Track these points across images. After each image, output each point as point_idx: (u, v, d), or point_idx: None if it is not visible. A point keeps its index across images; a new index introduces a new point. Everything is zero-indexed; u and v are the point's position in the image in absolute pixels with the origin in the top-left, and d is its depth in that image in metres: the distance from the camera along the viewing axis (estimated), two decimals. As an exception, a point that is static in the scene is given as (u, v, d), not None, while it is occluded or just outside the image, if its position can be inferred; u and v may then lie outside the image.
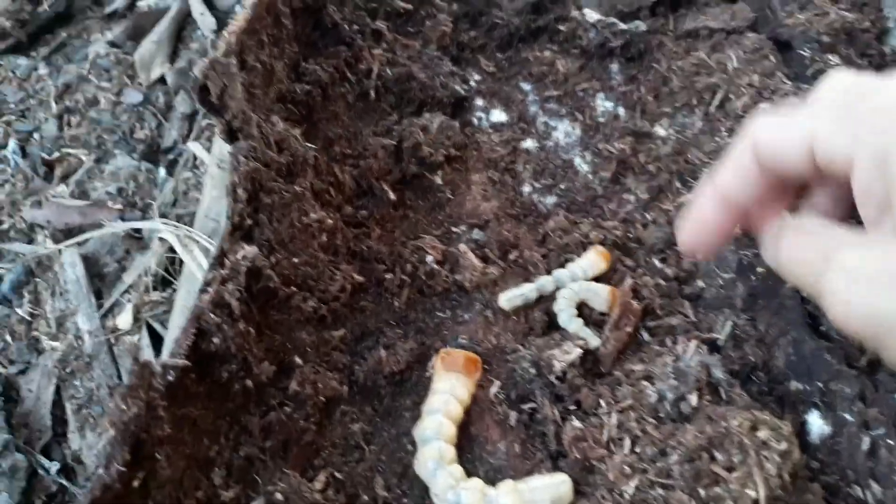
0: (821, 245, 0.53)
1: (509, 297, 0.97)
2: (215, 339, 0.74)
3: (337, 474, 0.83)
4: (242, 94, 0.80)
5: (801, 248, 0.55)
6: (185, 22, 1.73)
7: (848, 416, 0.86)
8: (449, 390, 0.85)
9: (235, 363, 0.76)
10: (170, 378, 0.69)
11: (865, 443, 0.83)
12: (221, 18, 1.69)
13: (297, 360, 0.84)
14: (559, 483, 0.80)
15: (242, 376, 0.78)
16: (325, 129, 1.03)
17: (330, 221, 0.92)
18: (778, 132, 0.56)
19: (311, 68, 1.01)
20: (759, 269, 0.97)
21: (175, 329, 1.16)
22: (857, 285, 0.48)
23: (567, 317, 0.96)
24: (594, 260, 1.00)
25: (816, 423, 0.87)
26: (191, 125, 1.53)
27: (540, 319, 0.98)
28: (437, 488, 0.79)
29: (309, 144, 0.93)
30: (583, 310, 0.98)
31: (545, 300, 0.99)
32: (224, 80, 0.77)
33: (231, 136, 0.80)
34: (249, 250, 0.76)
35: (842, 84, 0.53)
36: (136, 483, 0.66)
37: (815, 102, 0.54)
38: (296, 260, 0.85)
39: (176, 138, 1.51)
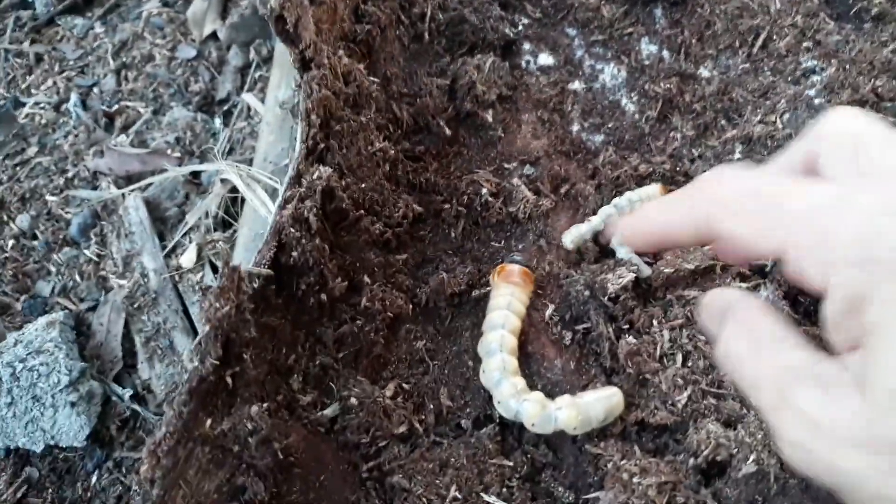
0: (775, 368, 0.49)
1: (573, 237, 0.99)
2: (294, 253, 0.78)
3: (404, 385, 0.88)
4: (313, 26, 0.84)
5: (751, 362, 0.51)
6: (234, -20, 1.76)
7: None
8: (506, 305, 0.88)
9: (312, 276, 0.81)
10: (255, 285, 0.73)
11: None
12: (269, -24, 1.72)
13: (366, 279, 0.88)
14: (611, 395, 0.84)
15: (318, 290, 0.82)
16: (383, 68, 1.06)
17: (392, 152, 0.96)
18: (748, 231, 0.50)
19: (371, 10, 1.04)
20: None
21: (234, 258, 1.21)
22: (819, 440, 0.45)
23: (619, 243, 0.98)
24: (653, 191, 1.01)
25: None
26: (243, 78, 1.57)
27: (592, 249, 1.01)
28: (501, 396, 0.83)
29: (372, 78, 0.96)
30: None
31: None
32: (298, 12, 0.81)
33: (304, 65, 0.84)
34: (324, 170, 0.80)
35: (823, 194, 0.46)
36: (227, 378, 0.71)
37: (796, 200, 0.47)
38: (363, 185, 0.89)
39: (230, 90, 1.55)
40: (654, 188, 1.02)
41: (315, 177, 0.80)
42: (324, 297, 0.82)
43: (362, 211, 0.88)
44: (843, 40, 1.15)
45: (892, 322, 0.43)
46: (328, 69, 0.86)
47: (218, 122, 1.51)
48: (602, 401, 0.83)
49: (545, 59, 1.24)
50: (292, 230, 0.77)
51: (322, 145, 0.85)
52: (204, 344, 0.67)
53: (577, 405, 0.82)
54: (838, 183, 0.49)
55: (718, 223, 0.52)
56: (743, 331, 0.52)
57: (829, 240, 0.45)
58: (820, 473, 0.45)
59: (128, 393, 1.17)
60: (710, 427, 0.81)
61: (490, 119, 1.12)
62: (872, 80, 1.07)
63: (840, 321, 0.45)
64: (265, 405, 0.71)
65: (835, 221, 0.45)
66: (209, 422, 0.69)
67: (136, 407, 1.16)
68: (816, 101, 1.08)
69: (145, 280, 1.28)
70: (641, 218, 0.62)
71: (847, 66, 1.11)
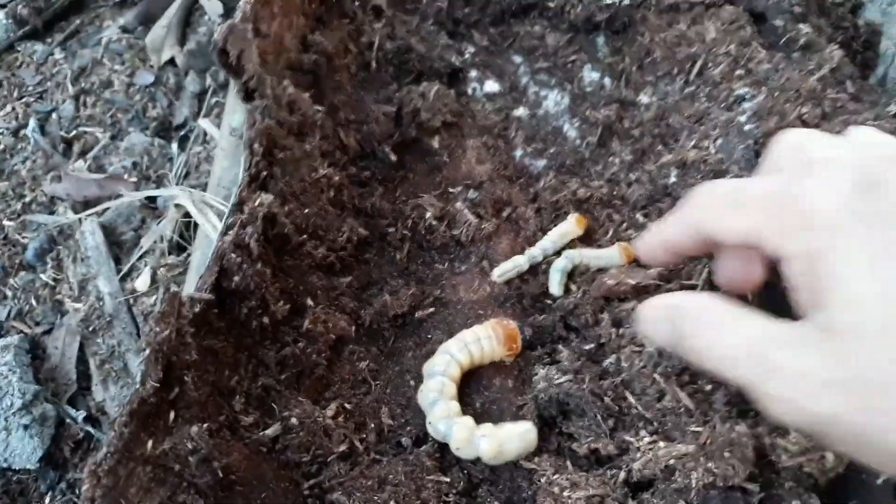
0: (746, 339, 0.55)
1: (502, 272, 1.03)
2: (236, 277, 0.80)
3: (346, 405, 0.90)
4: (257, 58, 0.87)
5: (721, 343, 0.57)
6: (192, 7, 1.79)
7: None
8: (474, 340, 0.91)
9: (254, 300, 0.83)
10: (196, 309, 0.76)
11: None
12: (227, 3, 1.75)
13: (309, 301, 0.90)
14: (526, 431, 0.86)
15: (260, 313, 0.85)
16: (330, 97, 1.09)
17: (336, 178, 0.99)
18: (722, 222, 0.60)
19: (318, 40, 1.07)
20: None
21: (192, 288, 1.22)
22: (796, 390, 0.50)
23: (556, 284, 1.02)
24: (570, 227, 1.05)
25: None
26: (200, 104, 1.59)
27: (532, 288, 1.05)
28: (433, 417, 0.86)
29: (317, 107, 0.99)
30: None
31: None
32: (241, 45, 0.84)
33: (248, 96, 0.87)
34: (265, 197, 0.82)
35: (779, 184, 0.58)
36: (167, 400, 0.73)
37: (762, 197, 0.58)
38: (307, 211, 0.92)
39: (187, 116, 1.58)
40: (570, 222, 1.05)
41: (257, 203, 0.83)
42: (266, 320, 0.85)
43: (305, 236, 0.91)
44: (773, 68, 1.19)
45: (842, 272, 0.51)
46: (271, 99, 0.89)
47: (175, 147, 1.53)
48: (519, 437, 0.85)
49: (491, 85, 1.28)
50: (234, 255, 0.80)
51: (265, 173, 0.88)
52: (144, 367, 0.69)
53: (497, 438, 0.85)
54: (787, 172, 0.59)
55: (705, 225, 0.62)
56: (703, 320, 0.59)
57: (784, 213, 0.56)
58: (804, 423, 0.51)
59: (81, 415, 1.18)
60: (644, 441, 0.84)
61: (435, 145, 1.15)
62: (798, 108, 1.12)
63: (801, 280, 0.54)
64: (206, 425, 0.73)
65: (786, 199, 0.56)
66: (150, 442, 0.71)
67: (90, 429, 1.18)
68: (746, 127, 1.12)
69: (100, 303, 1.30)
70: (651, 235, 0.72)
71: (776, 94, 1.15)
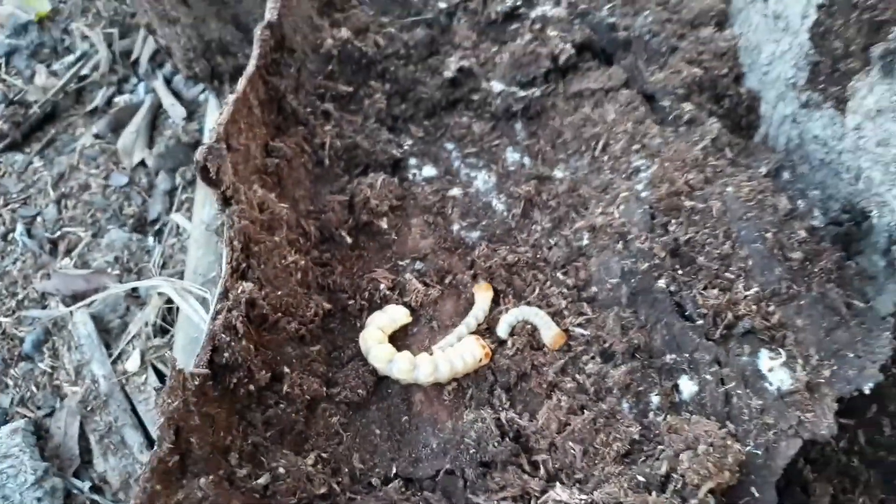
0: None
1: (444, 345, 1.16)
2: (226, 353, 0.94)
3: (323, 454, 1.03)
4: (231, 170, 1.02)
5: None
6: (158, 112, 1.94)
7: (708, 377, 1.09)
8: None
9: (241, 372, 0.97)
10: (196, 382, 0.89)
11: (721, 394, 1.06)
12: (189, 107, 1.90)
13: (286, 369, 1.04)
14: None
15: (246, 382, 0.98)
16: (292, 192, 1.24)
17: (302, 262, 1.14)
18: None
19: (278, 146, 1.23)
20: (637, 274, 1.20)
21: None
22: None
23: (503, 330, 1.17)
24: (483, 298, 1.20)
25: (686, 385, 1.10)
26: (171, 199, 1.73)
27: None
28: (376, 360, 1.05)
29: (282, 204, 1.14)
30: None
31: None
32: (218, 161, 0.99)
33: (225, 202, 1.01)
34: (247, 286, 0.97)
35: None
36: (177, 459, 0.86)
37: None
38: (279, 292, 1.06)
39: (160, 211, 1.71)
40: (481, 294, 1.21)
41: (239, 291, 0.97)
42: (252, 387, 0.98)
43: (280, 314, 1.05)
44: (664, 142, 1.37)
45: None
46: (245, 203, 1.04)
47: (151, 240, 1.66)
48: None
49: (428, 170, 1.43)
50: (223, 336, 0.94)
51: (244, 264, 1.02)
52: (160, 432, 0.83)
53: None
54: None
55: None
56: None
57: None
58: None
59: (87, 485, 1.29)
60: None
61: (384, 226, 1.30)
62: (685, 174, 1.29)
63: None
64: (210, 477, 0.86)
65: None
66: (166, 494, 0.83)
67: (95, 497, 1.29)
68: (643, 194, 1.29)
69: (96, 385, 1.41)
70: None
71: (666, 164, 1.32)
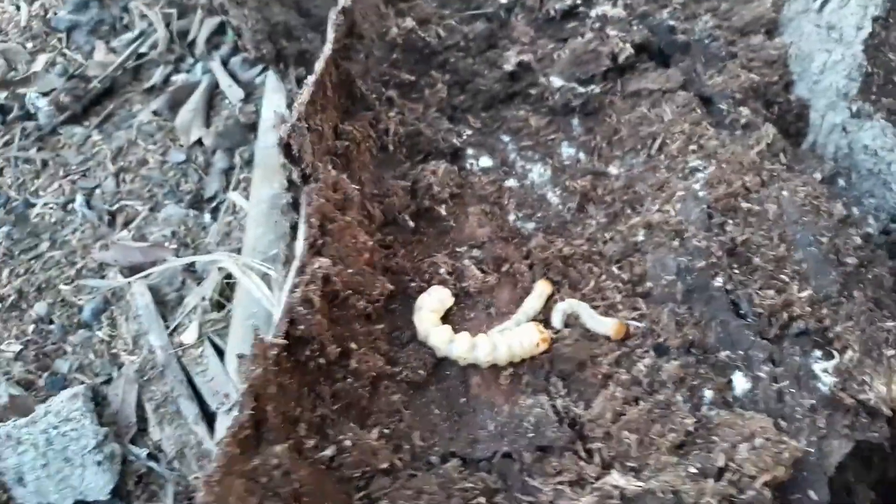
0: None
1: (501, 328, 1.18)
2: (301, 326, 0.97)
3: (385, 430, 1.06)
4: (311, 149, 1.04)
5: None
6: (214, 92, 1.97)
7: (762, 375, 1.10)
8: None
9: (314, 345, 0.99)
10: (274, 352, 0.92)
11: (774, 392, 1.08)
12: (246, 88, 1.93)
13: (353, 345, 1.06)
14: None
15: (318, 356, 1.01)
16: (358, 174, 1.27)
17: (370, 243, 1.16)
18: None
19: (347, 129, 1.25)
20: (693, 271, 1.21)
21: (235, 340, 1.38)
22: None
23: (558, 320, 1.19)
24: (541, 289, 1.22)
25: (740, 381, 1.12)
26: (228, 178, 1.76)
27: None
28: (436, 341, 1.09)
29: (353, 186, 1.17)
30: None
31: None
32: (300, 140, 1.01)
33: (305, 179, 1.04)
34: (323, 261, 0.99)
35: None
36: (254, 426, 0.88)
37: None
38: (350, 271, 1.08)
39: (217, 189, 1.74)
40: (539, 289, 1.22)
41: (316, 266, 0.99)
42: (322, 360, 1.01)
43: (350, 291, 1.07)
44: (721, 144, 1.38)
45: None
46: (322, 182, 1.06)
47: (208, 217, 1.69)
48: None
49: (485, 161, 1.45)
50: (300, 308, 0.96)
51: (320, 241, 1.05)
52: (243, 398, 0.85)
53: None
54: None
55: None
56: None
57: None
58: None
59: (144, 452, 1.33)
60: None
61: (444, 213, 1.32)
62: (742, 177, 1.30)
63: None
64: (285, 445, 0.89)
65: None
66: (244, 459, 0.86)
67: (152, 464, 1.32)
68: (700, 193, 1.31)
69: (153, 355, 1.44)
70: None
71: (724, 166, 1.34)
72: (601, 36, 1.55)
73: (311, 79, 1.11)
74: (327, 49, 1.20)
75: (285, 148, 1.00)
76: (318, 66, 1.15)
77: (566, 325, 1.19)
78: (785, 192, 1.28)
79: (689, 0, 1.67)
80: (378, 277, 1.16)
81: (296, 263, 0.99)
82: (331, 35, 1.23)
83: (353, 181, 1.22)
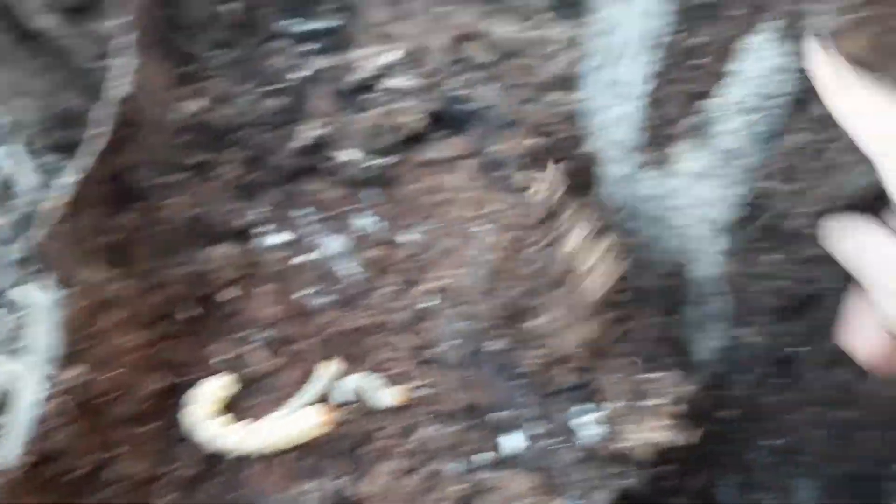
0: None
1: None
2: (56, 438, 0.94)
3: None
4: (69, 251, 1.03)
5: None
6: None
7: (537, 431, 1.15)
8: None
9: (67, 459, 0.97)
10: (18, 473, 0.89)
11: (546, 447, 1.13)
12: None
13: (118, 450, 1.04)
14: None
15: (72, 469, 0.98)
16: (136, 267, 1.25)
17: (143, 340, 1.15)
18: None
19: (121, 222, 1.24)
20: (474, 335, 1.25)
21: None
22: None
23: (340, 397, 1.20)
24: (325, 368, 1.22)
25: (515, 440, 1.15)
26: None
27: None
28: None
29: (122, 282, 1.15)
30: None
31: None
32: (58, 241, 1.00)
33: (62, 283, 1.02)
34: (82, 368, 0.98)
35: None
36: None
37: None
38: (112, 374, 1.06)
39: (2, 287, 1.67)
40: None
41: (73, 375, 0.98)
42: (78, 473, 0.99)
43: (112, 395, 1.06)
44: (507, 207, 1.43)
45: None
46: (81, 286, 1.05)
47: None
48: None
49: (280, 237, 1.43)
50: (51, 422, 0.94)
51: (78, 346, 1.03)
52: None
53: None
54: None
55: None
56: None
57: None
58: None
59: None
60: None
61: (230, 296, 1.31)
62: (523, 239, 1.36)
63: None
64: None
65: None
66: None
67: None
68: (483, 257, 1.35)
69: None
70: None
71: (506, 229, 1.39)
72: (393, 108, 1.60)
73: (70, 179, 1.10)
74: (95, 144, 1.18)
75: (41, 255, 0.99)
76: (82, 163, 1.14)
77: (352, 402, 1.21)
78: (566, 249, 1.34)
79: (487, 63, 1.73)
80: (150, 375, 1.14)
81: (49, 372, 0.97)
82: (99, 129, 1.22)
83: (128, 275, 1.21)
